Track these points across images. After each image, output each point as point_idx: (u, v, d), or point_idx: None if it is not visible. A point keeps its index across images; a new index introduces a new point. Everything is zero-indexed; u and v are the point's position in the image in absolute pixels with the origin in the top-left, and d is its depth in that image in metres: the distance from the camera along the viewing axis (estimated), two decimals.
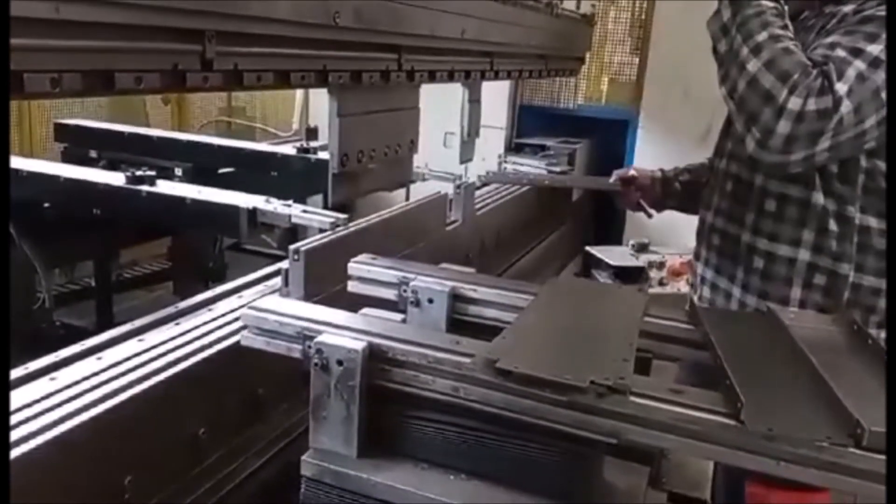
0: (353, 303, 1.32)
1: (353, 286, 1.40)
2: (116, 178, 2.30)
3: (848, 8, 1.51)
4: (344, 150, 1.66)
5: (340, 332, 1.06)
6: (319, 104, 3.17)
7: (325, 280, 1.55)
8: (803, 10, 1.68)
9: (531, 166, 3.63)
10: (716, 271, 1.76)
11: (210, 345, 1.39)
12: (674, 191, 2.16)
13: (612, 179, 2.33)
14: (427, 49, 1.86)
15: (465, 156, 2.54)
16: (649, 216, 2.32)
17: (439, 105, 2.24)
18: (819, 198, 1.54)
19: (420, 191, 2.29)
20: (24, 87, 0.93)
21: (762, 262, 1.63)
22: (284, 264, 1.57)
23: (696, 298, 1.85)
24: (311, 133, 3.67)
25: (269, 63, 1.35)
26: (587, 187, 2.99)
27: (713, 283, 1.76)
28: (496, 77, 2.45)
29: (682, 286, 3.30)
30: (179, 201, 2.17)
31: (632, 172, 2.26)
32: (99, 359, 1.30)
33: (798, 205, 1.57)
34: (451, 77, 2.09)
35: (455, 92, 2.40)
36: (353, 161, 1.70)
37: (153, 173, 2.31)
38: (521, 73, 2.73)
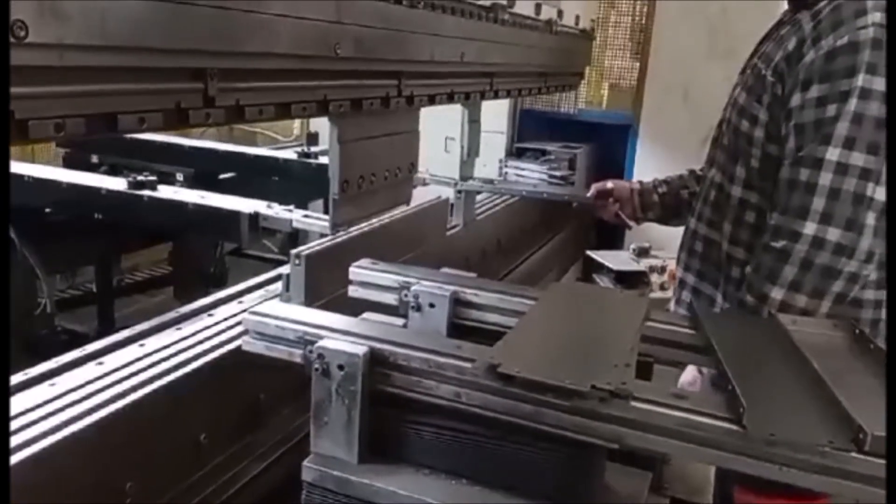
0: (355, 307, 1.32)
1: (354, 291, 1.40)
2: (118, 184, 2.30)
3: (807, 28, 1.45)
4: (345, 177, 1.67)
5: (341, 336, 1.06)
6: None
7: (326, 285, 1.55)
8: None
9: (532, 171, 3.63)
10: (698, 277, 1.76)
11: (211, 350, 1.39)
12: (652, 202, 2.19)
13: (590, 193, 2.37)
14: (427, 74, 1.86)
15: (465, 174, 2.58)
16: (628, 227, 2.38)
17: (440, 110, 2.24)
18: None
19: (421, 195, 2.29)
20: (29, 133, 0.93)
21: (738, 271, 1.62)
22: (285, 269, 1.57)
23: (673, 303, 1.85)
24: (312, 138, 3.68)
25: (271, 96, 1.36)
26: (565, 200, 2.99)
27: (695, 287, 1.76)
28: (496, 96, 2.45)
29: None
30: (181, 206, 2.18)
31: (609, 185, 2.31)
32: (99, 364, 1.30)
33: None
34: (450, 99, 2.09)
35: None
36: (354, 186, 1.71)
37: (154, 178, 2.32)
38: (520, 91, 2.73)
